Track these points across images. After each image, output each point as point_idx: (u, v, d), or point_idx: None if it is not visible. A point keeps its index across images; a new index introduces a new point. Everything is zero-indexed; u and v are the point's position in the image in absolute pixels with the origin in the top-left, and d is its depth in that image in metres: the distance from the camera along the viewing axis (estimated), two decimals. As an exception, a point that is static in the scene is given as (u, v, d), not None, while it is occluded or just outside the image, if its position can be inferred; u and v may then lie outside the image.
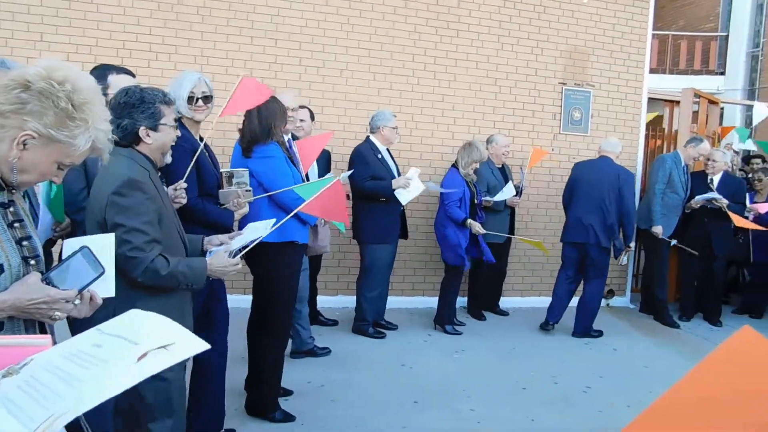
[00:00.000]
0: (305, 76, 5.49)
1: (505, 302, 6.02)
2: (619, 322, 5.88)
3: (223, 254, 2.18)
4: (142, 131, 2.03)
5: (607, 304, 6.51)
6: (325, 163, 4.72)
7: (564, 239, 5.30)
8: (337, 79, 5.58)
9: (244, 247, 2.38)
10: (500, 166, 5.58)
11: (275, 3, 5.37)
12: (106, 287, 1.42)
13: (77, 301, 1.33)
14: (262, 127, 3.07)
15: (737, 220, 5.44)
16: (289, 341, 3.78)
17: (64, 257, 1.38)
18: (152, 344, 1.03)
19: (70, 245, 1.42)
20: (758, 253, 6.09)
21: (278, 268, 3.14)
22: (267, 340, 3.24)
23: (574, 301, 5.32)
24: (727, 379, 0.71)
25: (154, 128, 2.04)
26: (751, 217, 5.75)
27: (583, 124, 6.29)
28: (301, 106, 4.68)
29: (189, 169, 2.55)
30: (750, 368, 0.70)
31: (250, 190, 2.89)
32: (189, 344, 1.05)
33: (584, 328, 5.21)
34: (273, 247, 3.03)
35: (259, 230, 2.41)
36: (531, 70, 6.10)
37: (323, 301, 5.37)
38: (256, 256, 2.94)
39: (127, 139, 2.02)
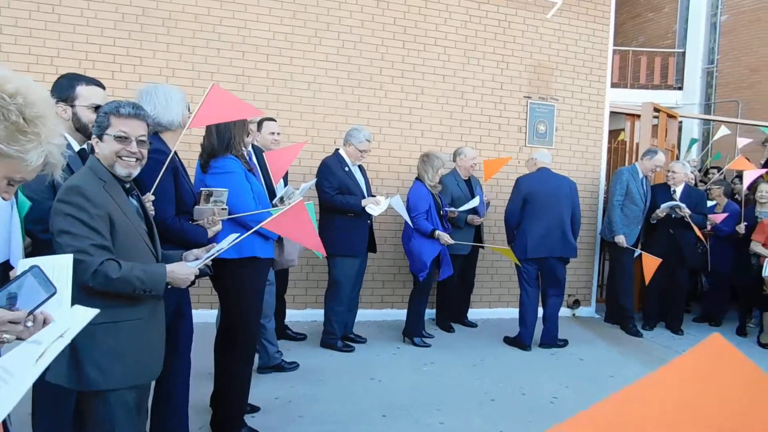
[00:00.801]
0: (273, 89, 5.48)
1: (473, 314, 6.06)
2: (585, 331, 5.97)
3: (184, 262, 2.15)
4: (93, 140, 2.06)
5: (573, 314, 6.61)
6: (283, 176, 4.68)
7: (528, 255, 5.09)
8: (304, 92, 5.58)
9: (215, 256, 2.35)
10: (467, 178, 5.63)
11: (242, 16, 5.36)
12: (60, 308, 1.38)
13: (29, 323, 1.29)
14: (221, 140, 3.01)
15: (697, 230, 5.63)
16: (256, 356, 3.73)
17: (12, 278, 1.34)
18: (50, 338, 1.11)
19: (23, 265, 1.38)
20: (715, 262, 6.28)
21: (241, 285, 3.09)
22: (233, 355, 3.18)
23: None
24: (690, 384, 0.71)
25: (100, 137, 2.04)
26: (709, 227, 5.93)
27: (548, 136, 6.41)
28: (271, 119, 4.67)
29: (156, 181, 2.50)
30: (715, 375, 0.71)
31: (225, 209, 2.87)
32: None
33: (551, 339, 5.26)
34: (235, 263, 2.99)
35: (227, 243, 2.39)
36: (497, 84, 6.20)
37: (291, 315, 5.32)
38: (219, 272, 2.92)
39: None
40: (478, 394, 4.06)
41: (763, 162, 7.98)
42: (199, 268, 2.46)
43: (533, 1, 6.26)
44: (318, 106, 5.62)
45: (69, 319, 1.24)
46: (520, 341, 5.20)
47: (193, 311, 3.00)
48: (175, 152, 2.70)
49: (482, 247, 5.69)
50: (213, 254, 2.26)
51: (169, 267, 2.06)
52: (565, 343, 5.32)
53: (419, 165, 5.07)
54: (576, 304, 6.61)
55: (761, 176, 6.33)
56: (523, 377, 4.45)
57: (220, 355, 3.23)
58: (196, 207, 2.77)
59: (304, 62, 5.55)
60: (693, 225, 5.70)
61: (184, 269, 2.10)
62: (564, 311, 6.59)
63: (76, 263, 1.75)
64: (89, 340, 1.87)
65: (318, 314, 5.23)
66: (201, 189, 2.83)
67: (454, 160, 5.64)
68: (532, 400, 4.00)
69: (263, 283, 3.31)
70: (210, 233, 2.76)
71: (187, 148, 4.65)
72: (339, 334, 4.88)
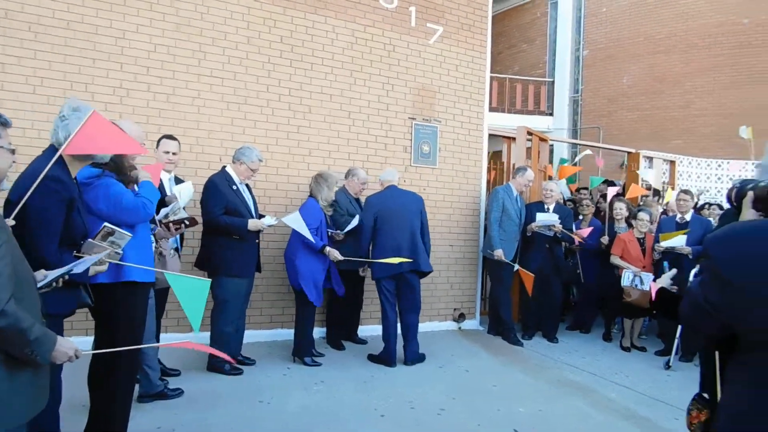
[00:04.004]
0: (154, 102, 5.25)
1: (363, 330, 6.10)
2: (469, 344, 6.21)
3: (68, 338, 2.00)
4: None
5: (459, 328, 6.86)
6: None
7: (383, 273, 5.15)
8: (188, 107, 5.40)
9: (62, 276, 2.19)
10: (356, 198, 5.71)
11: (120, 26, 5.10)
12: None
13: None
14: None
15: (564, 244, 6.14)
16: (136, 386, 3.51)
17: None
18: None
19: None
20: (585, 275, 6.83)
21: (120, 310, 2.92)
22: (111, 384, 2.98)
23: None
24: None
25: None
26: (576, 241, 6.44)
27: (431, 156, 6.66)
28: (170, 137, 4.43)
29: (21, 202, 2.28)
30: None
31: (119, 254, 2.70)
32: None
33: (415, 354, 5.28)
34: (112, 287, 2.83)
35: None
36: (383, 104, 6.37)
37: (175, 339, 5.06)
38: (96, 297, 2.73)
39: None
40: (368, 410, 4.08)
41: (621, 184, 8.82)
42: (79, 300, 2.30)
43: (416, 27, 6.52)
44: (203, 122, 5.46)
45: None
46: (385, 358, 5.20)
47: (67, 338, 2.77)
48: (76, 180, 2.51)
49: (369, 262, 5.73)
50: (60, 274, 2.11)
51: (60, 340, 1.90)
52: (424, 356, 5.34)
53: (312, 184, 5.08)
54: (461, 317, 6.87)
55: (616, 194, 7.03)
56: (412, 391, 4.53)
57: (97, 385, 3.01)
58: (89, 240, 2.56)
59: (187, 77, 5.38)
60: (561, 240, 6.28)
61: (67, 344, 1.95)
62: (450, 325, 6.84)
63: None
64: None
65: (203, 337, 5.01)
66: (104, 224, 2.64)
67: (346, 178, 5.70)
68: (421, 413, 4.08)
69: (144, 308, 3.14)
70: (92, 271, 2.56)
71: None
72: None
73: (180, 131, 5.27)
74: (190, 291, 2.51)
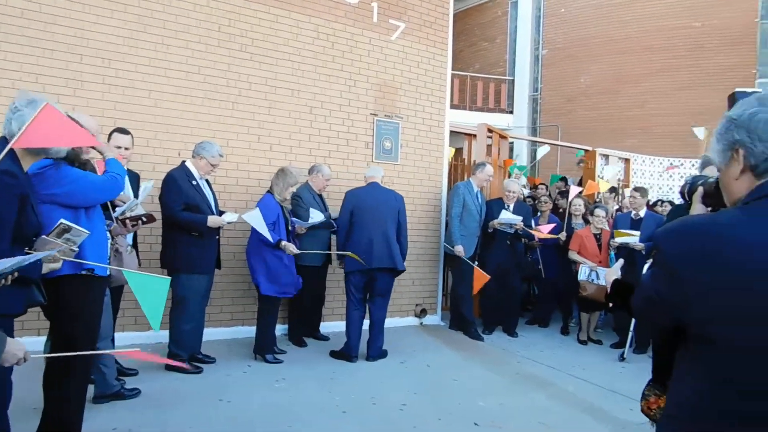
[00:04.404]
0: (110, 95, 5.10)
1: (325, 327, 6.08)
2: (431, 339, 6.26)
3: (17, 339, 1.93)
4: None
5: (421, 323, 6.91)
6: (135, 185, 4.38)
7: (354, 267, 5.16)
8: (147, 100, 5.27)
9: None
10: (320, 194, 5.69)
11: (79, 15, 4.94)
12: None
13: None
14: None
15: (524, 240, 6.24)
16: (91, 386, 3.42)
17: None
18: None
19: None
20: (545, 270, 6.97)
21: (76, 303, 2.84)
22: (67, 384, 2.89)
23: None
24: None
25: None
26: (536, 238, 6.56)
27: (393, 153, 6.67)
28: (121, 130, 4.29)
29: None
30: None
31: (75, 251, 2.61)
32: None
33: (379, 350, 5.30)
34: (67, 280, 2.74)
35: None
36: (345, 100, 6.34)
37: (133, 338, 4.96)
38: (50, 292, 2.64)
39: None
40: (330, 407, 4.08)
41: (578, 180, 9.02)
42: (30, 298, 2.21)
43: (378, 23, 6.52)
44: (162, 116, 5.34)
45: None
46: (346, 353, 5.21)
47: (17, 339, 2.68)
48: (27, 174, 2.41)
49: (330, 254, 5.71)
50: (7, 267, 2.02)
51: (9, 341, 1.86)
52: (386, 352, 5.37)
53: (273, 177, 5.04)
54: (423, 313, 6.92)
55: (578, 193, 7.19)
56: (374, 387, 4.55)
57: (51, 386, 2.92)
58: (43, 237, 2.46)
59: (148, 69, 5.25)
60: (522, 237, 6.39)
61: (16, 346, 1.89)
62: (412, 320, 6.89)
63: None
64: None
65: (162, 336, 4.92)
66: (61, 221, 2.54)
67: (310, 174, 5.67)
68: (383, 409, 4.10)
69: (100, 303, 3.07)
70: (45, 269, 2.47)
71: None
72: (186, 355, 4.62)
73: (138, 125, 5.15)
74: (149, 289, 2.46)
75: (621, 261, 2.01)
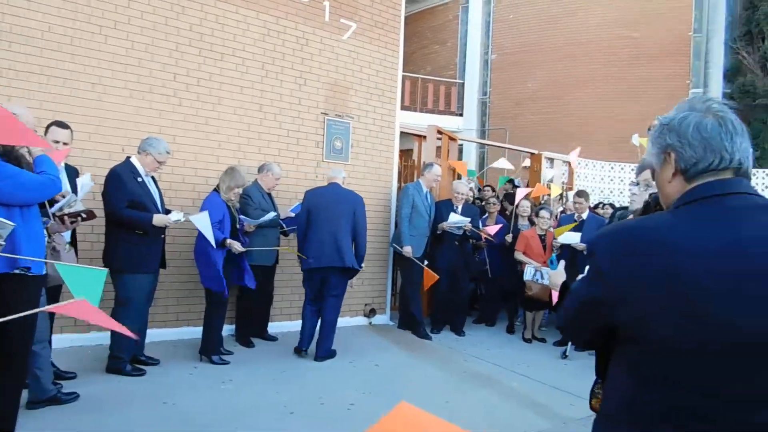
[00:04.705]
0: (48, 86, 4.89)
1: (273, 327, 6.01)
2: (380, 339, 6.28)
3: None
4: None
5: (370, 323, 6.92)
6: (72, 179, 4.19)
7: (307, 266, 5.19)
8: (88, 93, 5.07)
9: None
10: (269, 193, 5.62)
11: (10, 1, 4.70)
12: None
13: None
14: None
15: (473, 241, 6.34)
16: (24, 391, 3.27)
17: None
18: None
19: None
20: (492, 270, 7.09)
21: (9, 302, 2.71)
22: (1, 376, 2.76)
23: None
24: None
25: None
26: (483, 238, 6.68)
27: (344, 152, 6.66)
28: (59, 124, 4.09)
29: None
30: None
31: (2, 245, 2.50)
32: None
33: (327, 350, 5.29)
34: (2, 278, 2.61)
35: None
36: (295, 99, 6.29)
37: (73, 339, 4.77)
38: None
39: None
40: (278, 407, 4.03)
41: (526, 182, 9.23)
42: None
43: (330, 22, 6.50)
44: (104, 110, 5.15)
45: None
46: (297, 346, 5.28)
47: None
48: None
49: (278, 251, 5.66)
50: None
51: None
52: (335, 352, 5.36)
53: (222, 175, 4.97)
54: (372, 312, 6.93)
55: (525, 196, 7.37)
56: (322, 387, 4.53)
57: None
58: None
59: (87, 60, 5.06)
60: (470, 237, 6.50)
61: None
62: (361, 320, 6.89)
63: None
64: None
65: (103, 337, 4.75)
66: None
67: (259, 173, 5.60)
68: (331, 409, 4.09)
69: (36, 303, 2.93)
70: None
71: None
72: (128, 357, 4.48)
73: (79, 118, 4.95)
74: (84, 282, 2.36)
75: (563, 262, 2.06)
